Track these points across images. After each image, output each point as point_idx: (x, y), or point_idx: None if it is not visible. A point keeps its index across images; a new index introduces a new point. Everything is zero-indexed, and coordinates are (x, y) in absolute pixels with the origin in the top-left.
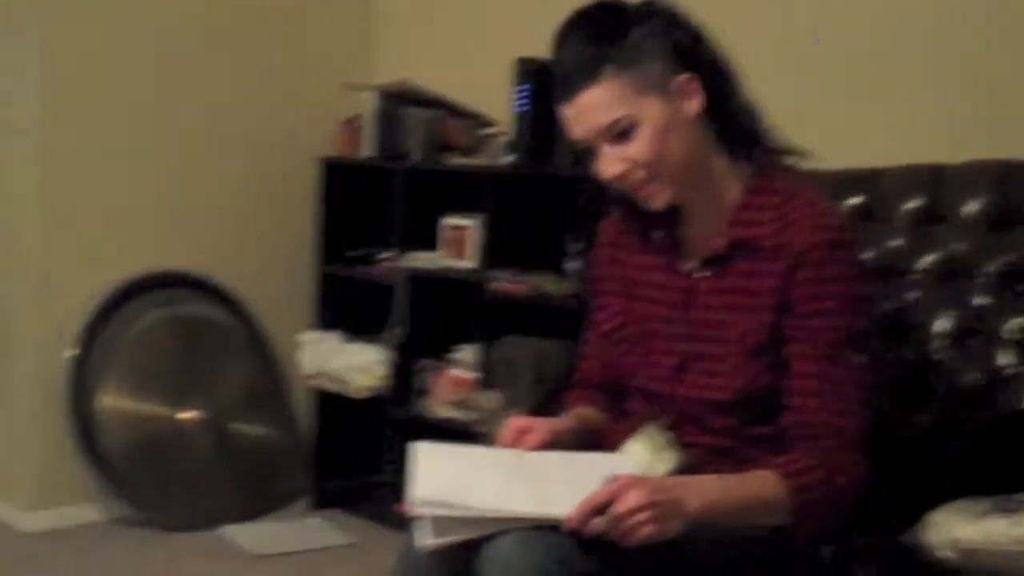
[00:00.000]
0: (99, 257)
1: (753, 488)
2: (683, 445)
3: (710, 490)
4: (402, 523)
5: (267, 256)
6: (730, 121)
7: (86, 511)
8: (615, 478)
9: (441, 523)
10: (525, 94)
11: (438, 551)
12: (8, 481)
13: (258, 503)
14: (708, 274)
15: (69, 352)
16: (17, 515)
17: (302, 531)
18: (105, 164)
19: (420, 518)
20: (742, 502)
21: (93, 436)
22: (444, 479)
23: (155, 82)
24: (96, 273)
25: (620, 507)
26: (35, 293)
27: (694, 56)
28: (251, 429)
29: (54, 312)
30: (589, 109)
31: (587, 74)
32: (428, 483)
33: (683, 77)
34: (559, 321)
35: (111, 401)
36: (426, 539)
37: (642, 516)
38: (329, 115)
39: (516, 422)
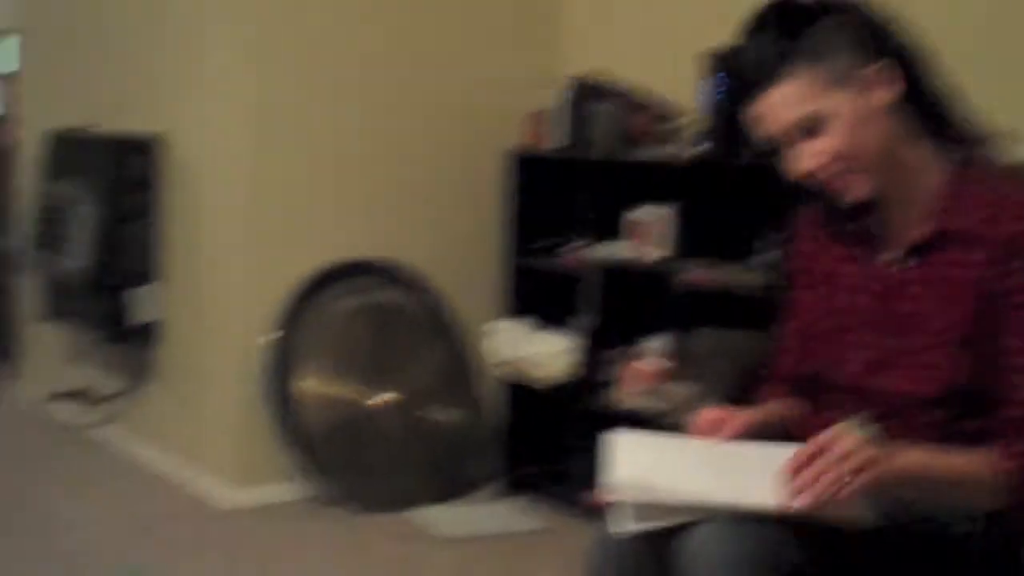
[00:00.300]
0: (300, 245)
1: (963, 460)
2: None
3: (920, 451)
4: (591, 510)
5: (457, 245)
6: (927, 108)
7: (283, 490)
8: None
9: (641, 509)
10: (719, 84)
11: (636, 537)
12: (211, 459)
13: (448, 487)
14: (909, 265)
15: (270, 336)
16: (218, 492)
17: (492, 516)
18: (307, 157)
19: (619, 503)
20: (950, 471)
21: (291, 418)
22: (645, 465)
23: (351, 79)
24: (297, 261)
25: (836, 449)
26: (240, 280)
27: (884, 44)
28: (442, 414)
29: (257, 298)
30: (777, 106)
31: (773, 71)
32: (629, 469)
33: (873, 67)
34: (748, 312)
35: (309, 384)
36: (625, 524)
37: (856, 461)
38: (517, 108)
39: (711, 413)
